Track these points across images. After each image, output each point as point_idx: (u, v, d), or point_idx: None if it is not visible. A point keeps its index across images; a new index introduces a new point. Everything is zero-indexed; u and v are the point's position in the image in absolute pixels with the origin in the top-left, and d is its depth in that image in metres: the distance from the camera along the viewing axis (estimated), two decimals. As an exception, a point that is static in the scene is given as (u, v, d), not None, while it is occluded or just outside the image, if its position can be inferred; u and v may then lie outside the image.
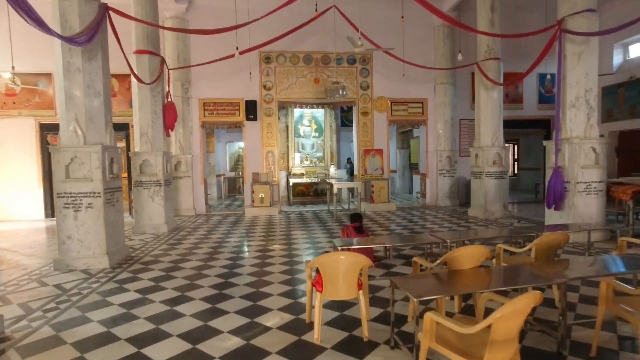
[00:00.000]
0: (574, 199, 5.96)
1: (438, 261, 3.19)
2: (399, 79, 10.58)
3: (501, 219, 8.29)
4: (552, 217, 6.30)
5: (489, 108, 8.42)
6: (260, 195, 9.74)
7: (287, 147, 13.14)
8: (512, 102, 11.20)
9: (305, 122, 13.59)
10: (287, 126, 13.13)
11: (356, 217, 5.06)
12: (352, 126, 16.09)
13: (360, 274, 3.02)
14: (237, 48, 7.00)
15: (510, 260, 3.75)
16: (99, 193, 4.86)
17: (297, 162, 13.17)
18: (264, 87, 10.13)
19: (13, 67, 7.01)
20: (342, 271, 2.93)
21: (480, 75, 8.37)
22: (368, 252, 4.17)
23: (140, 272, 4.81)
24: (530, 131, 12.02)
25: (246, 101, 9.96)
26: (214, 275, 4.69)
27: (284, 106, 11.35)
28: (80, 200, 4.81)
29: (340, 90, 7.91)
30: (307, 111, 13.45)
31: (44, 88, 9.44)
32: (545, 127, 11.49)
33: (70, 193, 4.81)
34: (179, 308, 3.65)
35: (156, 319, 3.40)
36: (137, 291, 4.11)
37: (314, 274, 3.18)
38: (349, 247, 3.78)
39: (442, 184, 10.77)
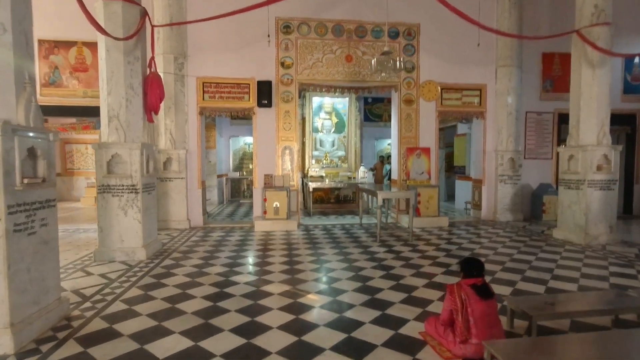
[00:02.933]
0: None
1: None
2: (452, 59, 8.32)
3: (610, 245, 6.02)
4: None
5: (594, 92, 6.14)
6: (275, 205, 7.46)
7: (304, 143, 10.90)
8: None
9: (324, 114, 11.35)
10: (303, 118, 10.89)
11: (474, 266, 2.79)
12: (376, 121, 13.93)
13: None
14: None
15: None
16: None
17: (314, 161, 10.93)
18: (282, 64, 7.86)
19: None
20: None
21: (585, 46, 6.08)
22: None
23: (74, 362, 2.56)
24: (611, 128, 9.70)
25: (258, 82, 7.69)
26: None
27: (305, 90, 9.08)
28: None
29: (394, 62, 5.64)
30: (328, 101, 11.22)
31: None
32: (630, 123, 9.20)
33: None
34: None
35: None
36: None
37: None
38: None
39: (502, 194, 8.48)
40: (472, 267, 2.80)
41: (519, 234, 7.03)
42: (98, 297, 3.80)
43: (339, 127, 11.46)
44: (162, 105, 6.84)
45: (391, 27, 7.98)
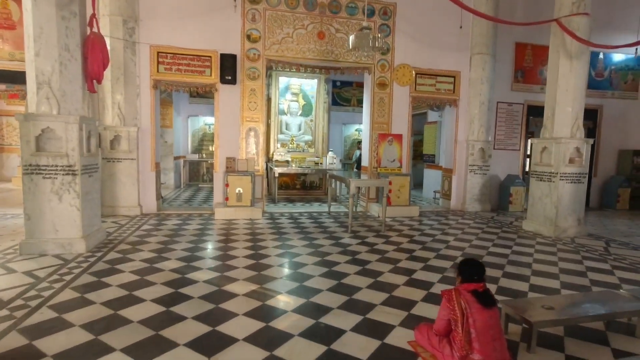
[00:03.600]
0: None
1: None
2: (428, 43, 8.00)
3: (579, 238, 6.04)
4: None
5: (570, 84, 6.04)
6: (237, 191, 6.85)
7: (268, 125, 10.27)
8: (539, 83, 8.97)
9: (291, 95, 10.76)
10: (269, 99, 10.23)
11: (474, 270, 2.43)
12: (345, 105, 13.49)
13: None
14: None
15: None
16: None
17: (279, 145, 10.35)
18: (248, 37, 7.14)
19: None
20: None
21: (564, 36, 5.93)
22: None
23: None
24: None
25: (221, 55, 6.94)
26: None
27: (272, 68, 8.43)
28: None
29: (375, 39, 5.15)
30: (295, 81, 10.62)
31: None
32: (592, 118, 9.41)
33: None
34: None
35: None
36: None
37: None
38: None
39: (471, 184, 8.40)
40: (472, 270, 2.44)
41: (490, 225, 6.94)
42: (19, 302, 3.10)
43: (306, 110, 10.92)
44: (107, 74, 6.01)
45: (367, 4, 7.47)
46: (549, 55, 6.37)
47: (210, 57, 7.01)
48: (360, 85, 13.12)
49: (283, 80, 10.50)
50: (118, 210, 6.68)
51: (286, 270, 4.17)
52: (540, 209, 6.36)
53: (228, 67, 6.93)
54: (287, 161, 9.80)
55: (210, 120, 11.93)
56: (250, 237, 5.50)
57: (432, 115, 10.38)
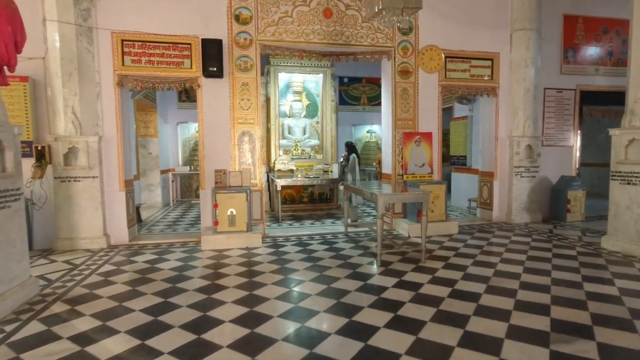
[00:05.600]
0: None
1: None
2: (459, 19, 6.52)
3: (690, 263, 4.46)
4: None
5: (669, 53, 4.50)
6: (229, 212, 5.36)
7: (268, 130, 8.84)
8: (615, 64, 7.42)
9: (293, 95, 9.33)
10: (267, 99, 8.80)
11: None
12: (354, 104, 12.00)
13: None
14: None
15: None
16: None
17: (282, 152, 8.90)
18: (237, 18, 5.70)
19: None
20: None
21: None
22: None
23: None
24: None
25: (203, 41, 5.49)
26: None
27: (269, 56, 7.00)
28: None
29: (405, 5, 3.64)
30: (297, 78, 9.19)
31: None
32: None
33: None
34: None
35: None
36: None
37: None
38: None
39: (518, 189, 6.84)
40: None
41: (555, 243, 5.37)
42: None
43: (311, 111, 9.47)
44: (56, 68, 4.60)
45: (383, -28, 6.00)
46: (632, 27, 4.81)
47: (189, 44, 5.57)
48: (371, 81, 11.69)
49: (283, 78, 9.06)
50: (77, 243, 5.20)
51: (292, 331, 2.67)
52: (630, 222, 4.78)
53: (212, 56, 5.47)
54: (292, 170, 8.35)
55: (202, 127, 10.48)
56: (245, 279, 3.98)
57: (459, 110, 8.86)
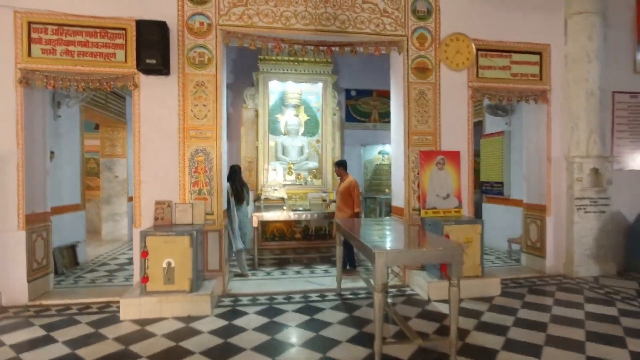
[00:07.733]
0: None
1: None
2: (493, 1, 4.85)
3: None
4: None
5: None
6: (165, 264, 3.68)
7: (257, 149, 7.29)
8: None
9: (289, 108, 7.80)
10: (256, 112, 7.30)
11: None
12: (363, 121, 10.34)
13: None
14: None
15: None
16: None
17: (272, 176, 7.30)
18: (190, -5, 4.21)
19: None
20: None
21: None
22: None
23: None
24: None
25: (139, 23, 3.99)
26: None
27: (234, 39, 5.48)
28: None
29: None
30: (292, 88, 7.67)
31: None
32: None
33: None
34: None
35: None
36: None
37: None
38: None
39: (582, 229, 4.92)
40: None
41: (663, 322, 3.43)
42: None
43: (311, 128, 7.90)
44: None
45: (391, -63, 4.46)
46: None
47: (124, 29, 4.09)
48: (383, 94, 10.07)
49: (277, 88, 7.58)
50: (-53, 306, 3.62)
51: None
52: None
53: (152, 43, 3.94)
54: (283, 199, 6.70)
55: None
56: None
57: (491, 124, 7.05)
